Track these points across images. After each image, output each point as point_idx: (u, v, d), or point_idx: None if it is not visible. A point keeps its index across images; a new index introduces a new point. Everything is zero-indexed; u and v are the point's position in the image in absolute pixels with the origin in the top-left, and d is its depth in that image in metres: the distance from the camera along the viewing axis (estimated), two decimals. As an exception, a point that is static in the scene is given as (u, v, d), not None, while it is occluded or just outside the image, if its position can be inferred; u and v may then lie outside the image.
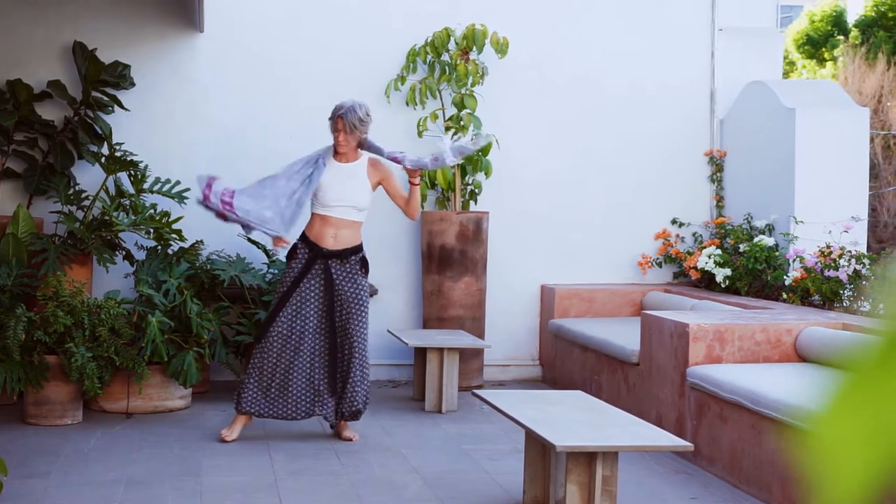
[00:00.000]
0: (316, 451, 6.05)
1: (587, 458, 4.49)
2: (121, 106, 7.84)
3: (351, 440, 6.28)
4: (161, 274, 7.17)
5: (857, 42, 19.48)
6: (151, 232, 7.41)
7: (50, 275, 6.91)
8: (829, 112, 7.87)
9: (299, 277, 6.19)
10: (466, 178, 8.23)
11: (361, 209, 6.25)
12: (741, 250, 7.95)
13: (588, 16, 8.57)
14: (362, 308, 6.22)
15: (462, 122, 8.06)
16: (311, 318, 6.19)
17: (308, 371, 6.21)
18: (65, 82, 7.82)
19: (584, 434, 4.47)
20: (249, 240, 7.73)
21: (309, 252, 6.21)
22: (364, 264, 6.27)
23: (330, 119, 6.29)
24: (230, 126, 8.08)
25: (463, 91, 8.12)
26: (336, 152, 6.28)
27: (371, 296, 8.25)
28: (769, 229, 8.00)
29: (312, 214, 6.27)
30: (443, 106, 8.24)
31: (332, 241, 6.20)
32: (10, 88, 7.70)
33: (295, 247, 6.26)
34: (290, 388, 6.22)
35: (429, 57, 8.20)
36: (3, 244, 7.11)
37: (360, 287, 6.23)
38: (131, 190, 7.64)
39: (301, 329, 6.20)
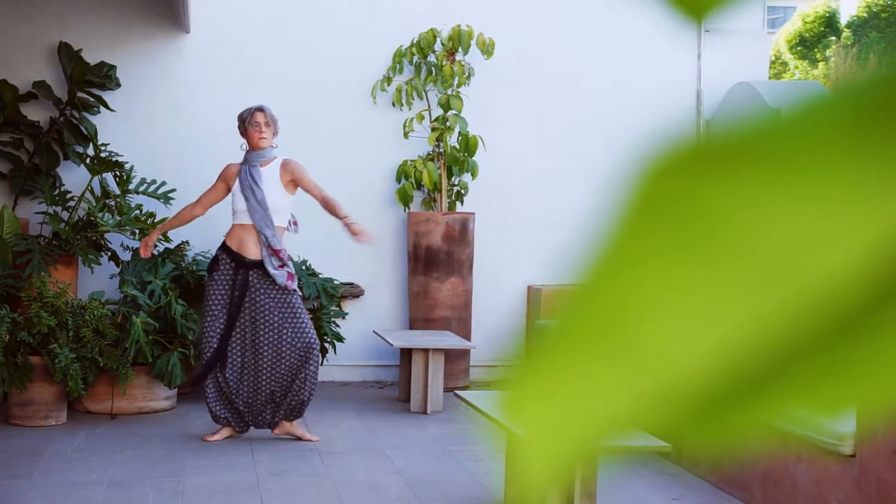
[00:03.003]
0: (299, 452, 6.05)
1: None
2: (106, 107, 7.83)
3: (312, 440, 6.31)
4: (146, 275, 7.17)
5: (849, 43, 19.53)
6: (137, 233, 7.41)
7: (35, 276, 6.90)
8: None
9: (227, 289, 6.17)
10: (453, 179, 8.24)
11: (278, 212, 6.17)
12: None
13: (574, 17, 8.58)
14: (293, 313, 6.17)
15: (448, 123, 8.07)
16: (249, 329, 6.19)
17: (267, 384, 6.22)
18: (50, 83, 7.81)
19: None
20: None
21: (231, 262, 6.16)
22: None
23: (243, 119, 6.24)
24: (216, 127, 8.07)
25: (449, 92, 8.13)
26: (257, 147, 6.20)
27: (357, 297, 8.26)
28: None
29: (234, 224, 6.22)
30: (429, 107, 8.24)
31: (254, 248, 6.15)
32: (-4, 89, 7.70)
33: (216, 258, 6.21)
34: (255, 402, 6.24)
35: (415, 58, 8.20)
36: (-12, 245, 7.11)
37: (286, 293, 6.16)
38: (117, 191, 7.64)
39: (252, 341, 6.20)
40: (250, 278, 6.13)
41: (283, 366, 6.17)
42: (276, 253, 6.09)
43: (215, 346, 6.16)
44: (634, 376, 0.35)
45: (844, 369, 0.34)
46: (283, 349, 6.15)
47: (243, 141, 6.33)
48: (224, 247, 6.20)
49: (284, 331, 6.13)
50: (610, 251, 0.35)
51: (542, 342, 0.37)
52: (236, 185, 6.19)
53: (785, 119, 0.35)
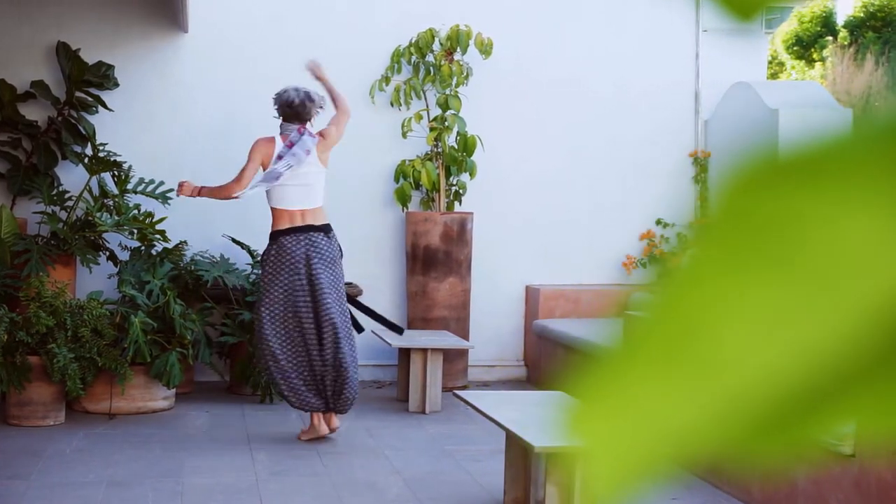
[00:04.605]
0: (298, 452, 6.05)
1: (567, 459, 4.50)
2: (105, 106, 7.82)
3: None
4: (144, 274, 7.16)
5: (845, 43, 19.53)
6: (135, 232, 7.40)
7: (33, 275, 6.90)
8: (813, 113, 7.89)
9: None
10: (451, 179, 8.24)
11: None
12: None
13: (573, 17, 8.57)
14: None
15: (446, 123, 8.06)
16: None
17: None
18: (48, 83, 7.80)
19: (563, 435, 4.48)
20: (234, 240, 7.74)
21: None
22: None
23: (321, 107, 6.39)
24: (214, 126, 8.07)
25: (447, 92, 8.12)
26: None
27: (356, 296, 8.26)
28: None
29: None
30: (427, 107, 8.24)
31: None
32: (-6, 89, 7.69)
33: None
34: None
35: (413, 57, 8.20)
36: (-14, 245, 7.10)
37: None
38: (115, 190, 7.63)
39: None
40: None
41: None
42: None
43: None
44: (707, 389, 0.35)
45: None
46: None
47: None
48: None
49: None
50: (686, 264, 0.35)
51: (613, 354, 0.37)
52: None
53: (862, 136, 0.35)
